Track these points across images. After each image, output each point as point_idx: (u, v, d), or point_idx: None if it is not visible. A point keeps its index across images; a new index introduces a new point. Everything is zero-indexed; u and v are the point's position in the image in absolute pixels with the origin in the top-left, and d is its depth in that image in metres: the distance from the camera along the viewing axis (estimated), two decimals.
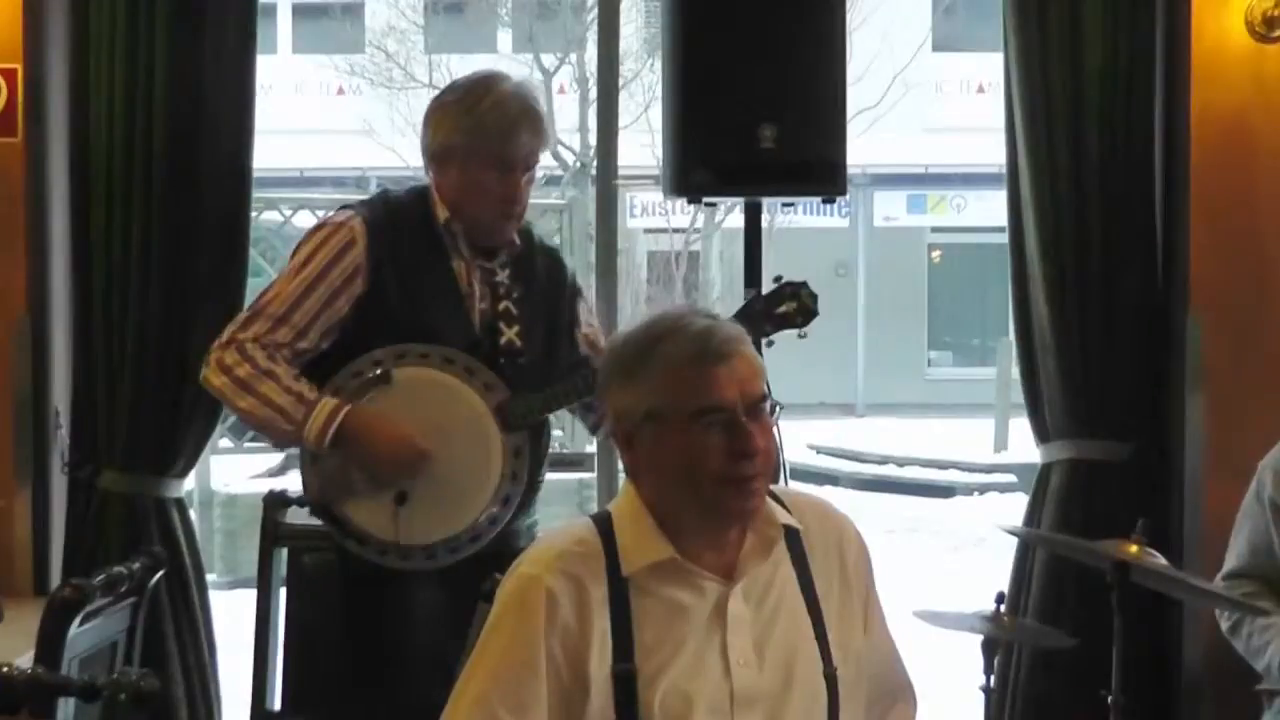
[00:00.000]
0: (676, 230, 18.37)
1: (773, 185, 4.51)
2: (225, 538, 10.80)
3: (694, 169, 4.41)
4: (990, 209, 18.93)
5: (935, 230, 24.65)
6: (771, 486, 2.71)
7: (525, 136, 3.86)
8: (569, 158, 17.57)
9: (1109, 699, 3.71)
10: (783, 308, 3.97)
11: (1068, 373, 4.85)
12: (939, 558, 12.40)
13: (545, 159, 4.05)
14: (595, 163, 5.32)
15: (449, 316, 3.84)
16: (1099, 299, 4.83)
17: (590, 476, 5.63)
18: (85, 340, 4.72)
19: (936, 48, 21.62)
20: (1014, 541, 5.07)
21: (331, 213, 3.97)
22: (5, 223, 4.68)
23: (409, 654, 3.78)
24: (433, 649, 3.64)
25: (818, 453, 17.44)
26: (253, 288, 4.81)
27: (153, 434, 4.69)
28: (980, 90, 21.12)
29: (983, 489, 15.58)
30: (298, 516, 4.14)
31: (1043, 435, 4.98)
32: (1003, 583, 4.88)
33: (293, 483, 4.05)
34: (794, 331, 4.00)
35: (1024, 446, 7.01)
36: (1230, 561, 4.24)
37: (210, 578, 5.11)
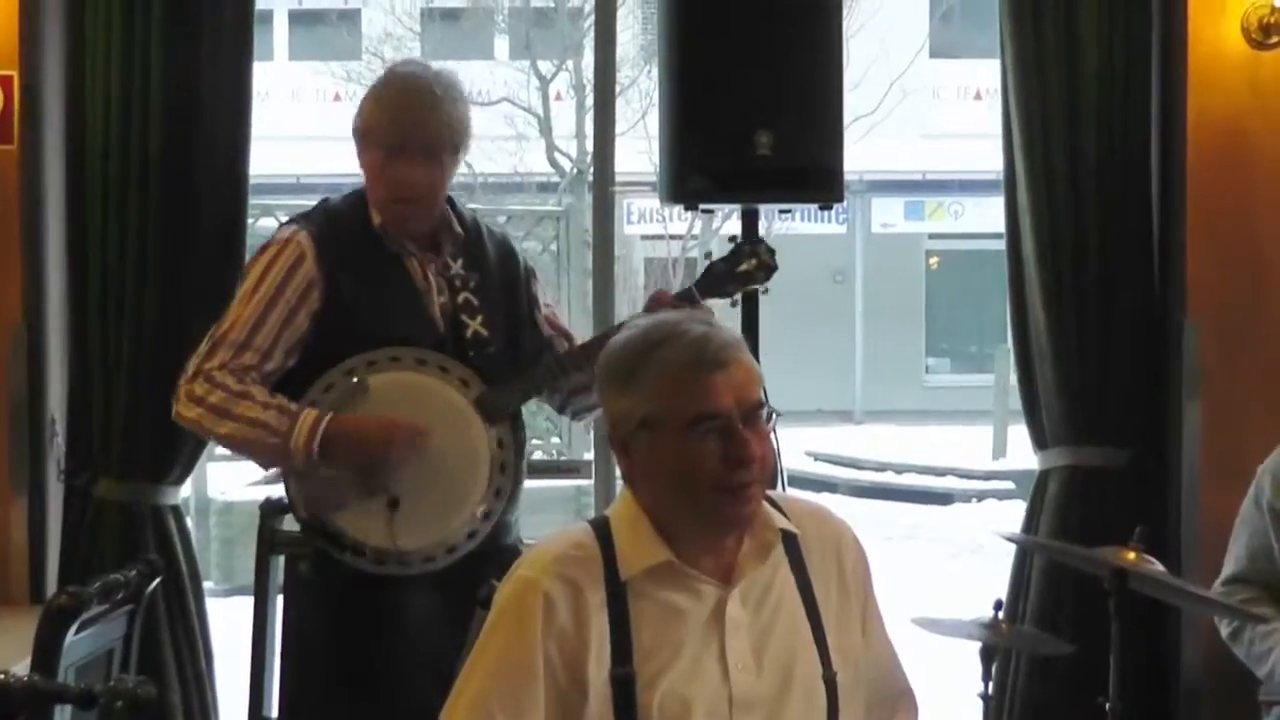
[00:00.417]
0: (674, 237, 18.37)
1: (770, 192, 4.51)
2: (222, 545, 10.79)
3: (691, 175, 4.41)
4: (988, 215, 18.92)
5: (933, 237, 24.66)
6: (769, 492, 2.71)
7: (414, 116, 3.80)
8: (566, 164, 17.57)
9: (1107, 706, 3.71)
10: (743, 266, 3.96)
11: (1065, 379, 4.85)
12: (937, 565, 12.39)
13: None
14: (592, 169, 5.32)
15: (411, 316, 3.83)
16: (1096, 305, 4.83)
17: (587, 484, 5.63)
18: (81, 347, 4.72)
19: (934, 54, 21.62)
20: (1012, 548, 5.07)
21: (279, 230, 3.93)
22: (1, 230, 4.68)
23: (404, 660, 3.78)
24: (428, 654, 3.64)
25: (815, 460, 17.43)
26: None
27: (149, 441, 4.69)
28: (977, 96, 21.15)
29: (981, 496, 15.57)
30: (294, 524, 4.14)
31: (1040, 442, 4.98)
32: (1001, 590, 4.87)
33: None
34: (758, 288, 4.02)
35: (1022, 453, 7.01)
36: (1229, 567, 4.24)
37: (207, 585, 5.11)
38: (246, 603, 4.29)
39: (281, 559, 4.13)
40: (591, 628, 2.58)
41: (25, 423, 4.70)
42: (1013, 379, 5.12)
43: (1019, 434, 6.62)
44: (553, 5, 19.24)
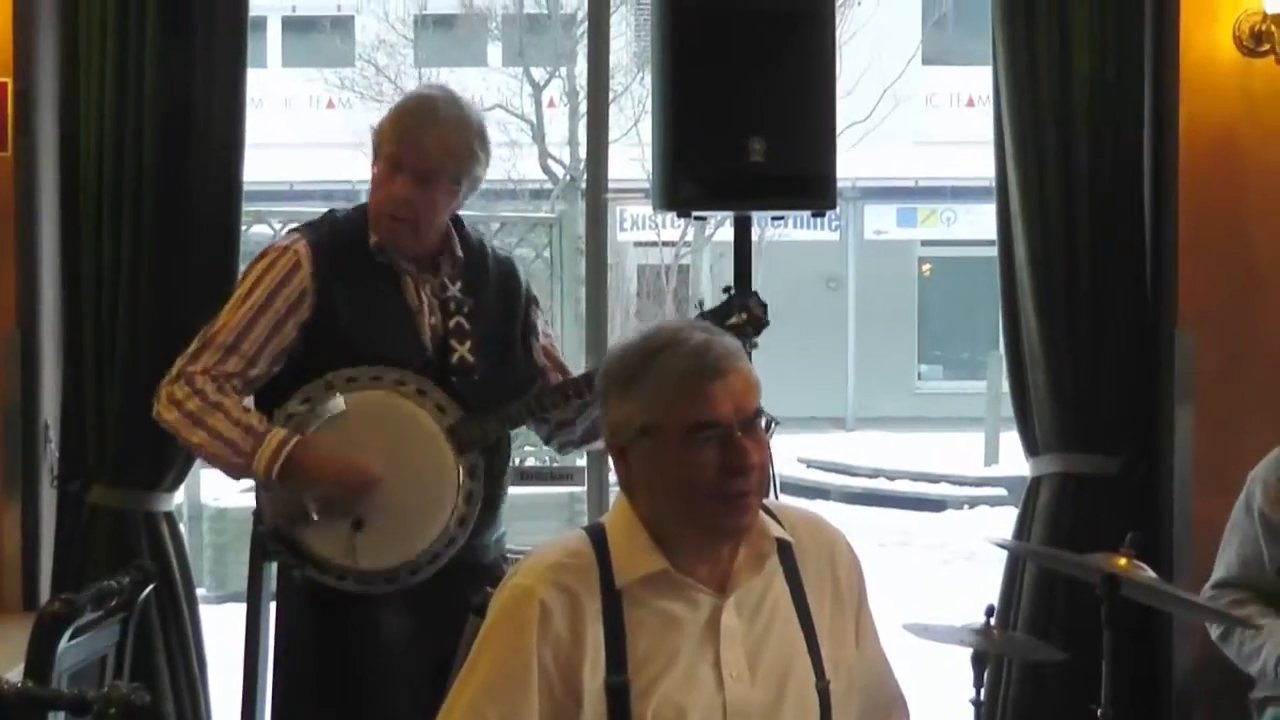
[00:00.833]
0: (666, 244, 18.37)
1: (762, 199, 4.52)
2: (215, 552, 10.79)
3: (684, 183, 4.41)
4: (980, 222, 18.93)
5: (925, 244, 24.65)
6: (764, 501, 2.71)
7: (419, 136, 3.80)
8: (559, 171, 17.56)
9: (1099, 712, 3.72)
10: (733, 319, 3.96)
11: (1057, 386, 4.86)
12: (929, 571, 12.40)
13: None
14: (585, 176, 5.32)
15: (399, 335, 3.83)
16: (1088, 312, 4.84)
17: (580, 490, 5.62)
18: (75, 354, 4.72)
19: (926, 61, 21.62)
20: (1004, 555, 5.07)
21: (281, 237, 3.97)
22: None
23: (391, 671, 3.78)
24: (413, 667, 3.65)
25: (808, 466, 17.43)
26: None
27: (142, 448, 4.69)
28: (970, 104, 21.14)
29: (973, 502, 15.57)
30: None
31: (1032, 449, 4.99)
32: (993, 596, 4.88)
33: None
34: (747, 343, 4.00)
35: (1014, 460, 7.02)
36: (1219, 572, 4.25)
37: (200, 592, 5.10)
38: (239, 610, 4.29)
39: (274, 566, 4.13)
40: (587, 636, 2.57)
41: (19, 429, 4.70)
42: (1005, 386, 5.13)
43: (1011, 440, 6.63)
44: (546, 12, 19.24)
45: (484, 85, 18.79)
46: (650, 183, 4.68)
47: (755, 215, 4.87)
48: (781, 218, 5.90)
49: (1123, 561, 3.68)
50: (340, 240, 3.88)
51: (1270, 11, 4.76)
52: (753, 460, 2.58)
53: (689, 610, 2.63)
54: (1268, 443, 4.28)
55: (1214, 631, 4.21)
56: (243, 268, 4.85)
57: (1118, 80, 4.83)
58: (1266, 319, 4.89)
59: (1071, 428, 4.87)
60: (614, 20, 5.53)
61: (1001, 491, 15.21)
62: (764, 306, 4.00)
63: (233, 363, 3.79)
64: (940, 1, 22.00)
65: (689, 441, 2.56)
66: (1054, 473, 4.92)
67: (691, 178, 4.40)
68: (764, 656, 2.66)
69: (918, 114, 21.01)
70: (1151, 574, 3.76)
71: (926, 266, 25.31)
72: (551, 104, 18.93)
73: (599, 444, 3.99)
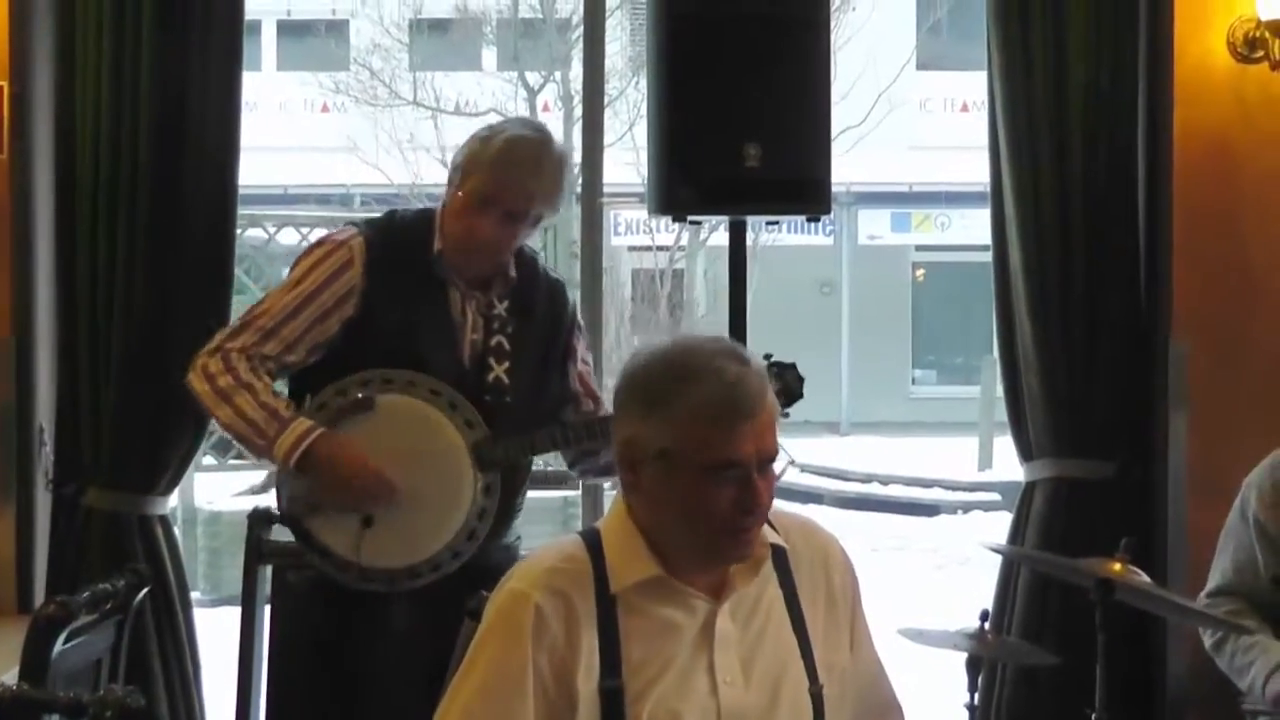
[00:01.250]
0: (661, 248, 18.36)
1: (758, 204, 4.52)
2: (209, 555, 10.76)
3: (679, 187, 4.41)
4: (974, 227, 18.96)
5: (919, 248, 24.67)
6: None
7: (513, 178, 3.80)
8: None
9: (1092, 717, 3.72)
10: None
11: (1051, 391, 4.87)
12: (923, 576, 12.40)
13: None
14: (580, 180, 5.32)
15: (439, 347, 3.84)
16: (1083, 317, 4.84)
17: (575, 494, 5.63)
18: (70, 357, 4.71)
19: (920, 66, 21.64)
20: (998, 559, 5.08)
21: (337, 229, 3.98)
22: None
23: (389, 673, 3.78)
24: (412, 668, 3.65)
25: (801, 470, 17.40)
26: (237, 305, 4.82)
27: (137, 451, 4.69)
28: (964, 109, 21.16)
29: (966, 507, 15.57)
30: (283, 534, 4.14)
31: (1026, 454, 4.99)
32: (987, 601, 4.89)
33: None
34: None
35: (1008, 465, 7.01)
36: (1214, 579, 4.25)
37: (194, 595, 5.10)
38: (233, 613, 4.29)
39: (269, 569, 4.14)
40: (581, 640, 2.57)
41: (14, 432, 4.70)
42: (999, 391, 5.13)
43: (1005, 445, 6.64)
44: (541, 17, 19.24)
45: (478, 89, 18.82)
46: (645, 187, 4.68)
47: (750, 220, 4.87)
48: (776, 222, 5.90)
49: (1117, 566, 3.68)
50: (397, 242, 3.89)
51: (1264, 18, 4.77)
52: (765, 501, 2.60)
53: (684, 615, 2.63)
54: (1262, 448, 4.28)
55: (1207, 641, 4.20)
56: (238, 271, 4.88)
57: (1112, 86, 4.84)
58: (1261, 324, 4.90)
59: (1065, 433, 4.88)
60: (609, 25, 5.54)
61: (995, 496, 15.22)
62: (800, 380, 4.02)
63: (270, 346, 3.81)
64: (935, 7, 22.02)
65: (707, 477, 2.56)
66: (1048, 478, 4.92)
67: (687, 182, 4.39)
68: (758, 661, 2.66)
69: (912, 119, 21.02)
70: (1145, 579, 3.76)
71: (920, 271, 25.33)
72: (546, 108, 18.93)
73: None
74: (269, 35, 22.93)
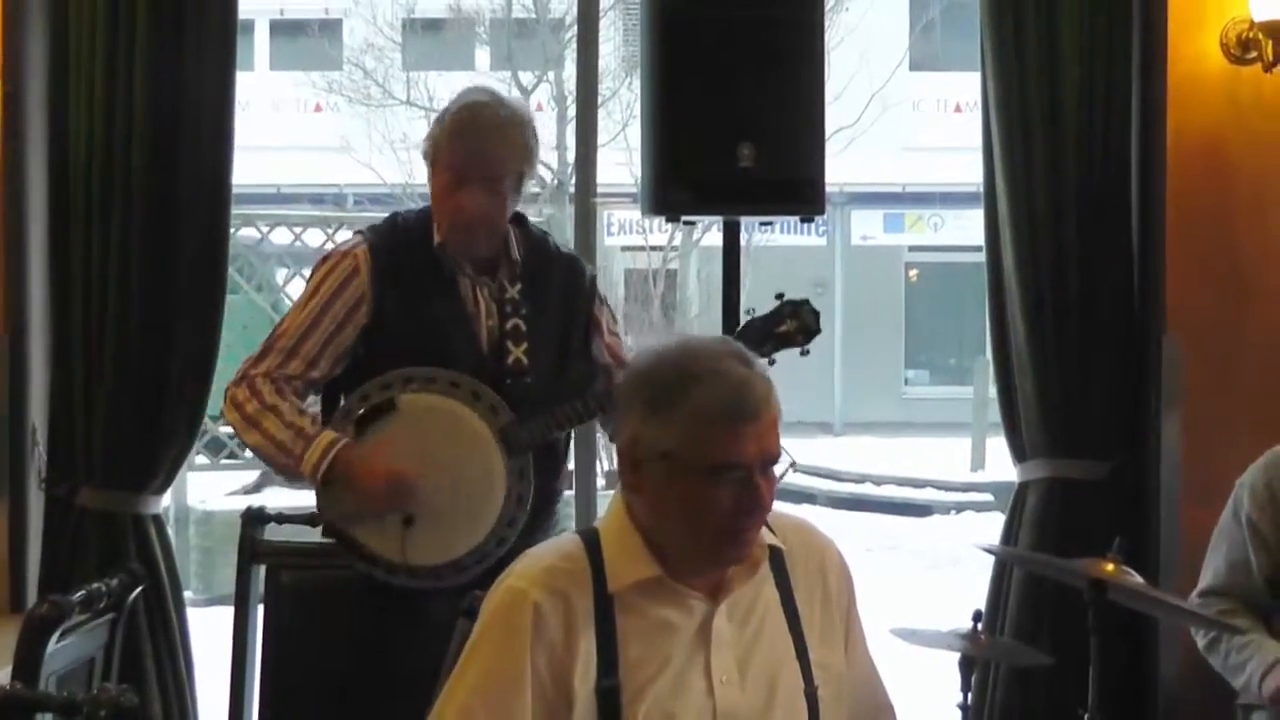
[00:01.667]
0: (654, 248, 18.34)
1: (751, 204, 4.51)
2: (201, 554, 10.75)
3: (673, 188, 4.41)
4: (967, 228, 18.97)
5: (912, 249, 24.67)
6: None
7: (482, 147, 3.81)
8: (546, 175, 17.53)
9: (1085, 716, 3.72)
10: (784, 326, 3.97)
11: (1044, 392, 4.87)
12: (916, 576, 12.40)
13: None
14: (573, 180, 5.31)
15: (455, 338, 3.85)
16: (1076, 318, 4.85)
17: (568, 493, 5.62)
18: (63, 357, 4.71)
19: (914, 67, 21.64)
20: (991, 560, 5.08)
21: (343, 241, 4.00)
22: None
23: (384, 673, 3.78)
24: (409, 668, 3.64)
25: (794, 470, 17.40)
26: (230, 305, 4.82)
27: (130, 451, 4.69)
28: (958, 109, 21.14)
29: (959, 508, 15.57)
30: (276, 533, 4.14)
31: (1019, 454, 4.99)
32: (980, 601, 4.89)
33: (270, 499, 4.05)
34: (796, 350, 4.00)
35: (1001, 465, 7.02)
36: (1206, 579, 4.25)
37: (186, 594, 5.09)
38: (226, 613, 4.29)
39: (262, 569, 4.14)
40: (579, 639, 2.58)
41: (7, 432, 4.69)
42: (992, 391, 5.14)
43: (998, 446, 6.65)
44: (534, 17, 19.23)
45: None
46: (639, 187, 4.68)
47: (743, 220, 4.87)
48: (770, 223, 5.89)
49: (1110, 567, 3.68)
50: (401, 243, 3.91)
51: (1257, 19, 4.77)
52: (766, 502, 2.60)
53: (681, 615, 2.64)
54: (1255, 448, 4.29)
55: (1200, 641, 4.21)
56: (231, 271, 4.89)
57: (1106, 86, 4.84)
58: (1254, 325, 4.90)
59: (1059, 433, 4.88)
60: (602, 25, 5.54)
61: (988, 497, 15.22)
62: (816, 315, 4.01)
63: (293, 366, 3.83)
64: (928, 7, 22.02)
65: (709, 479, 2.56)
66: (1041, 478, 4.93)
67: (681, 182, 4.39)
68: (754, 661, 2.66)
69: (905, 119, 21.01)
70: (1138, 579, 3.76)
71: (914, 272, 25.33)
72: (539, 108, 18.91)
73: None
74: (262, 35, 22.90)
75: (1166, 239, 4.87)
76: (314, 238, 10.15)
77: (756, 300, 4.10)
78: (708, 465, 2.56)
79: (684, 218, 4.94)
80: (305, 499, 3.98)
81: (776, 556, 2.73)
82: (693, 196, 4.43)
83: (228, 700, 4.21)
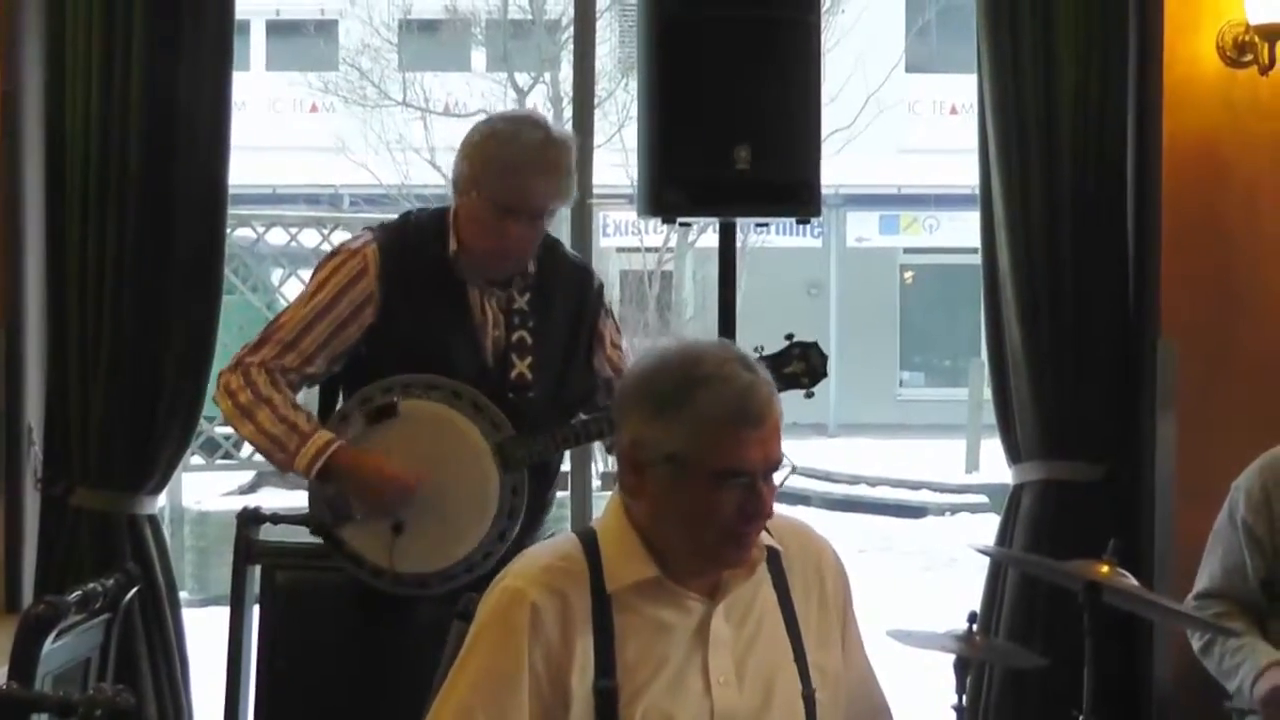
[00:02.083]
0: (650, 250, 18.35)
1: (747, 206, 4.51)
2: (197, 555, 10.76)
3: (669, 189, 4.40)
4: (963, 230, 18.94)
5: (907, 251, 24.69)
6: None
7: (532, 184, 3.79)
8: None
9: (1079, 718, 3.72)
10: (791, 367, 3.99)
11: (1039, 394, 4.87)
12: (911, 577, 12.41)
13: None
14: None
15: (460, 346, 3.83)
16: (1071, 320, 4.85)
17: (563, 494, 5.62)
18: (59, 357, 4.71)
19: (910, 69, 21.65)
20: (986, 561, 5.08)
21: (353, 236, 3.98)
22: None
23: (382, 674, 3.78)
24: (407, 670, 3.65)
25: (791, 472, 17.39)
26: (225, 305, 4.81)
27: (126, 450, 4.69)
28: (953, 111, 21.17)
29: (954, 509, 15.58)
30: (271, 534, 4.14)
31: (1014, 456, 5.00)
32: (975, 603, 4.89)
33: (265, 500, 4.05)
34: (800, 392, 4.01)
35: (995, 467, 7.02)
36: (1202, 582, 4.25)
37: (181, 595, 5.09)
38: (221, 613, 4.29)
39: (258, 569, 4.14)
40: (577, 640, 2.58)
41: (2, 432, 4.69)
42: (986, 393, 5.15)
43: (992, 448, 6.65)
44: (530, 18, 19.23)
45: (467, 90, 18.80)
46: (635, 188, 4.68)
47: (739, 221, 4.87)
48: (765, 224, 5.89)
49: (1104, 569, 3.68)
50: (412, 246, 3.89)
51: (1253, 22, 4.78)
52: (768, 507, 2.61)
53: (679, 616, 2.64)
54: (1250, 451, 4.29)
55: (1195, 644, 4.21)
56: (226, 271, 4.88)
57: (1101, 89, 4.85)
58: (1248, 328, 4.90)
59: (1053, 435, 4.89)
60: (599, 26, 5.53)
61: (982, 499, 15.23)
62: (824, 359, 4.04)
63: (290, 359, 3.82)
64: (923, 9, 22.05)
65: (714, 483, 2.57)
66: (1036, 480, 4.93)
67: (676, 184, 4.39)
68: (751, 663, 2.67)
69: (901, 121, 21.04)
70: (1133, 581, 3.76)
71: (909, 274, 25.36)
72: (536, 109, 18.94)
73: None
74: (258, 35, 22.92)
75: (1162, 242, 4.87)
76: (310, 238, 10.14)
77: (750, 301, 4.10)
78: (714, 470, 2.56)
79: (679, 219, 4.94)
80: (301, 500, 3.98)
81: (774, 558, 2.73)
82: (688, 198, 4.42)
83: (223, 700, 4.21)
